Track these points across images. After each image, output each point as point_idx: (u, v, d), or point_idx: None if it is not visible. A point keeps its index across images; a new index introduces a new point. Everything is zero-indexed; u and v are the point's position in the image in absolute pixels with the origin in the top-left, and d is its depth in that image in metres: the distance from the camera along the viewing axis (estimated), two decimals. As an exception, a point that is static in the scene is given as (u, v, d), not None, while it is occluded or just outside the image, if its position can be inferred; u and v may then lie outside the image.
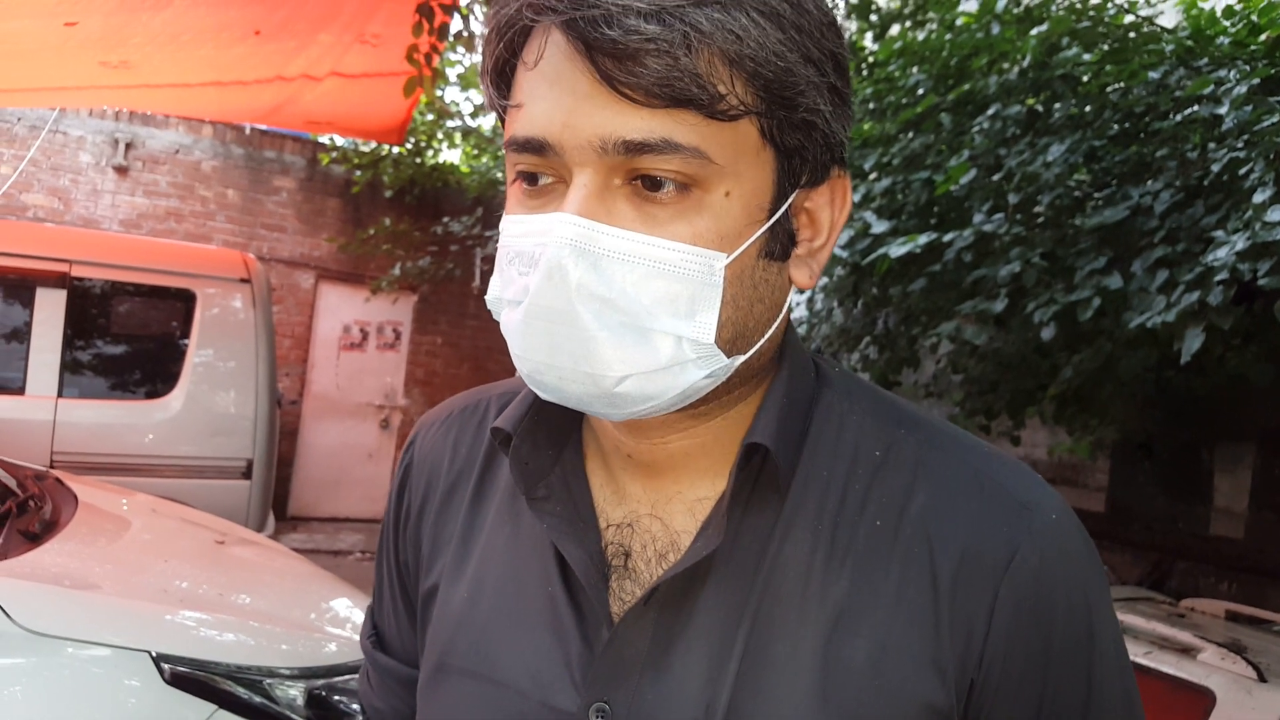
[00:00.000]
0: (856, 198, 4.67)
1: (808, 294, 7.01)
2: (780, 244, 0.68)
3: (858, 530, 0.69)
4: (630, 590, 0.72)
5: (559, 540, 0.72)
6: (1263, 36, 3.43)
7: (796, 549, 0.69)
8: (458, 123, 8.77)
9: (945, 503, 0.69)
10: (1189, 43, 3.63)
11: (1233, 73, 3.25)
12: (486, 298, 0.71)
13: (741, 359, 0.68)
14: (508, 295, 0.67)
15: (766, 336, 0.70)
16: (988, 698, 0.68)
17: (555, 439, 0.77)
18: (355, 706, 2.26)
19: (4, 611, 2.08)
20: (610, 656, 0.69)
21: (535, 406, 0.75)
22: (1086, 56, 3.89)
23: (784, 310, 0.71)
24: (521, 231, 0.66)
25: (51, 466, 4.07)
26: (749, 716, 0.66)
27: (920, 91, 4.72)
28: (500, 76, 0.68)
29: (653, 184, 0.62)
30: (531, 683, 0.72)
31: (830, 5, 0.69)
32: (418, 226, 8.35)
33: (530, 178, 0.66)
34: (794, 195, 0.68)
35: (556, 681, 0.71)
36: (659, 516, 0.74)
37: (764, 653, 0.67)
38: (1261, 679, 2.99)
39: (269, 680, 2.27)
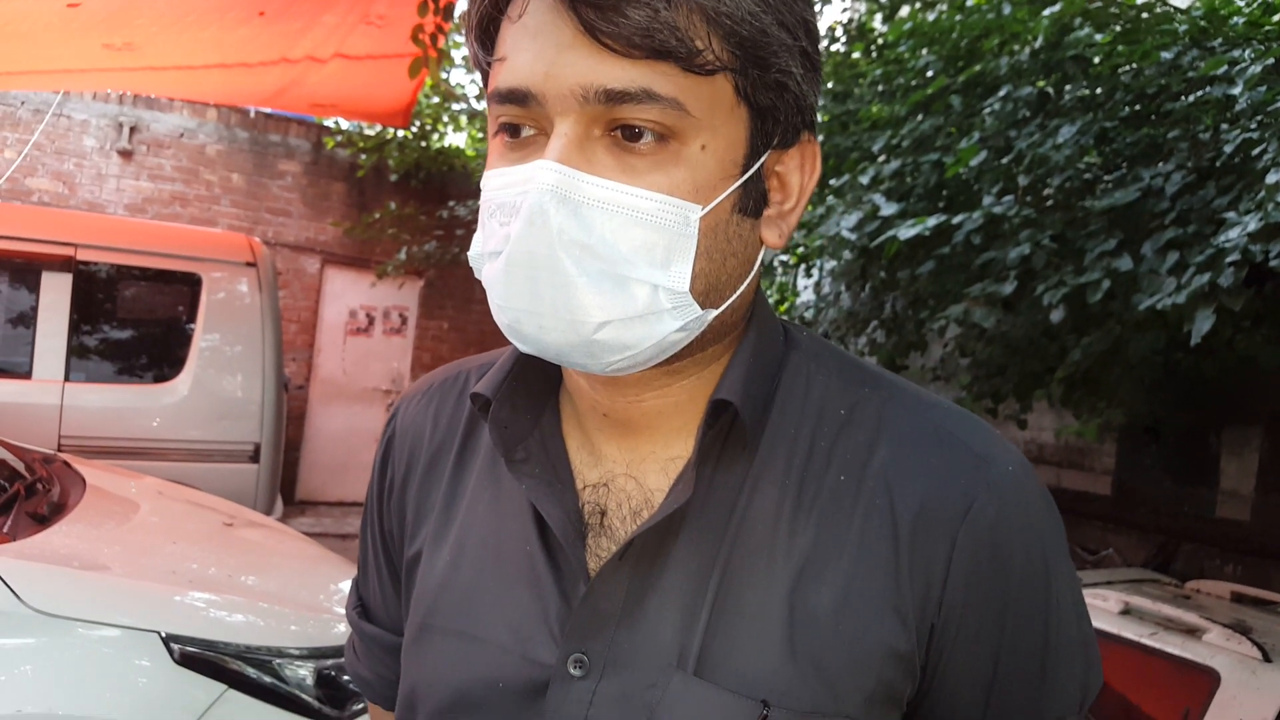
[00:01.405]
0: (865, 180, 4.64)
1: (815, 278, 6.99)
2: (753, 201, 0.70)
3: (823, 484, 0.72)
4: (606, 547, 0.74)
5: (538, 500, 0.74)
6: (1277, 17, 3.40)
7: (765, 503, 0.72)
8: (463, 106, 8.74)
9: (906, 456, 0.72)
10: (1202, 23, 3.60)
11: (1247, 53, 3.23)
12: (469, 254, 0.72)
13: (715, 313, 0.69)
14: (489, 248, 0.69)
15: (738, 293, 0.72)
16: (948, 642, 0.70)
17: (533, 404, 0.79)
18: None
19: (14, 592, 2.09)
20: (587, 609, 0.71)
21: (513, 372, 0.78)
22: (1098, 37, 3.86)
23: (755, 268, 0.73)
24: (503, 183, 0.67)
25: (59, 450, 4.08)
26: (719, 662, 0.69)
27: (930, 73, 4.70)
28: (484, 33, 0.69)
29: (632, 134, 0.64)
30: (512, 637, 0.74)
31: None
32: (424, 210, 8.33)
33: (512, 130, 0.68)
34: (766, 155, 0.70)
35: (536, 635, 0.73)
36: (634, 476, 0.76)
37: (734, 601, 0.70)
38: (1266, 659, 2.99)
39: (278, 660, 2.28)
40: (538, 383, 0.80)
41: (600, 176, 0.64)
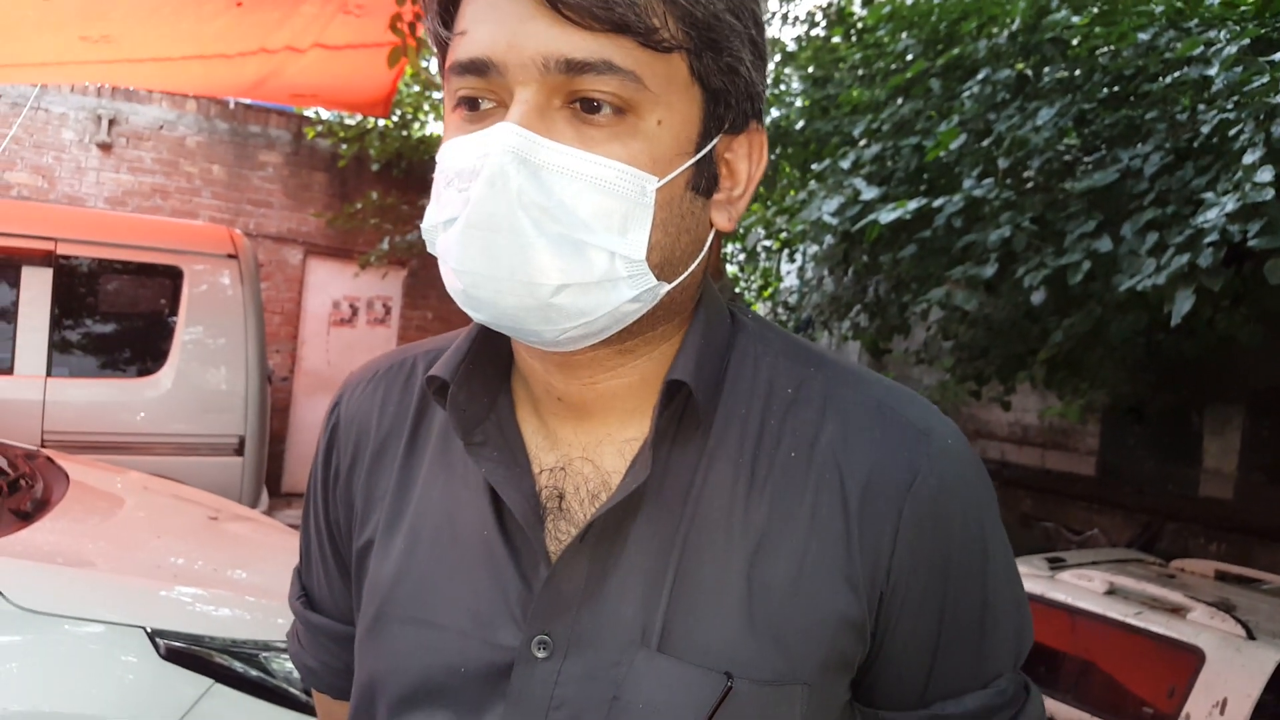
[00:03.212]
0: (846, 164, 4.65)
1: (799, 264, 7.00)
2: (705, 181, 0.72)
3: (775, 461, 0.74)
4: (565, 529, 0.75)
5: (497, 483, 0.75)
6: (1252, -4, 3.42)
7: (720, 481, 0.74)
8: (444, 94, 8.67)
9: (852, 433, 0.74)
10: (1178, 4, 3.61)
11: (1223, 33, 3.24)
12: (423, 226, 0.73)
13: (668, 286, 0.71)
14: (444, 216, 0.69)
15: (690, 270, 0.73)
16: (895, 608, 0.73)
17: (488, 388, 0.80)
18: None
19: (-2, 590, 2.08)
20: (550, 591, 0.72)
21: (470, 356, 0.78)
22: (1076, 19, 3.87)
23: (705, 248, 0.75)
24: (461, 150, 0.68)
25: (42, 446, 4.06)
26: (682, 636, 0.70)
27: (909, 57, 4.70)
28: (445, 10, 0.70)
29: (590, 106, 0.66)
30: (473, 623, 0.75)
31: None
32: (406, 200, 8.28)
33: (471, 103, 0.69)
34: (718, 138, 0.72)
35: (497, 619, 0.74)
36: (590, 459, 0.77)
37: (693, 577, 0.72)
38: (1250, 636, 3.02)
39: (265, 654, 2.27)
40: (492, 367, 0.80)
41: (560, 143, 0.65)
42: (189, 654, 2.19)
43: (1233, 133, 3.05)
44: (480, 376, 0.79)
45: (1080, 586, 3.48)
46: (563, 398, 0.77)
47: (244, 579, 2.66)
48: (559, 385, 0.77)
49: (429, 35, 0.73)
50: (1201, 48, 3.22)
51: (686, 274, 0.73)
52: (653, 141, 0.67)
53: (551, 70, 0.64)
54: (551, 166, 0.65)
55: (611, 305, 0.68)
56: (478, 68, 0.66)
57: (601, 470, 0.76)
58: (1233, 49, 3.06)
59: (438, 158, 0.71)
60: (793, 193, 6.29)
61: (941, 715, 0.76)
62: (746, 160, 0.76)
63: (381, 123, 8.10)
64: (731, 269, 9.97)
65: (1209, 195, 2.98)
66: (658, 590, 0.71)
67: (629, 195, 0.66)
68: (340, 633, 0.91)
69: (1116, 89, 3.90)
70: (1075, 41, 3.98)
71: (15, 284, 4.60)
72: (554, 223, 0.65)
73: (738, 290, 9.24)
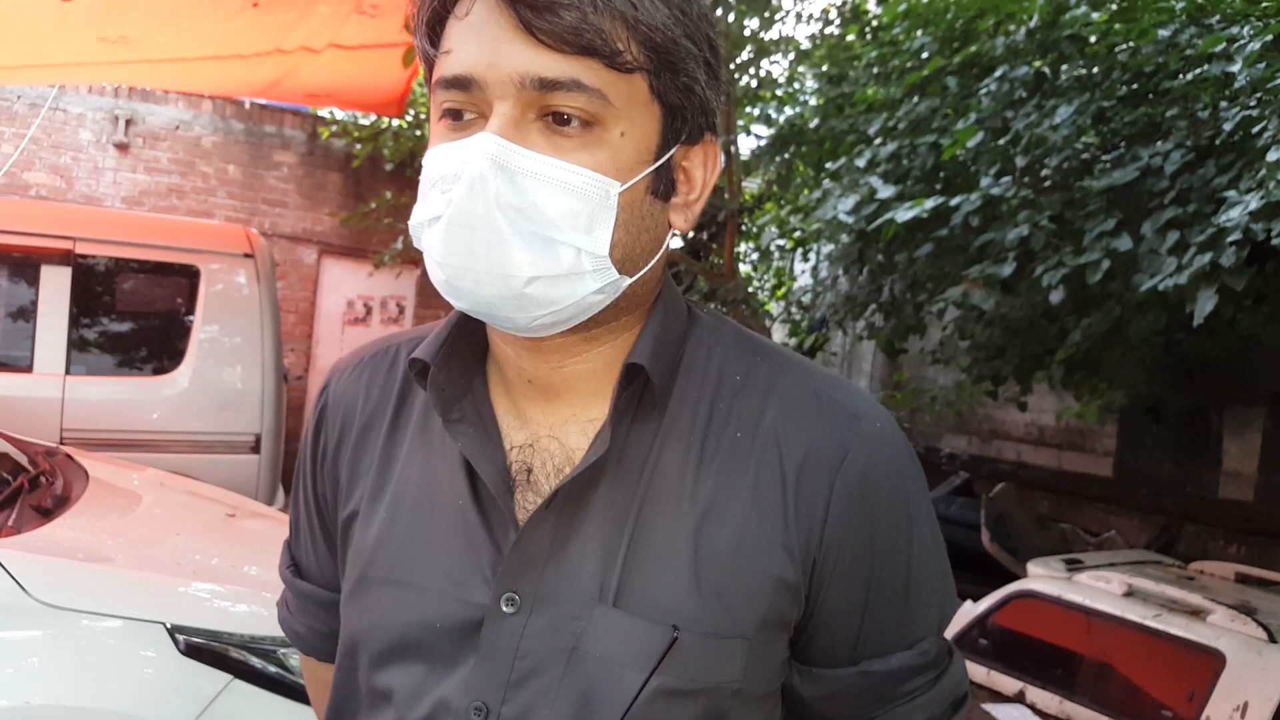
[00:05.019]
0: (862, 162, 4.64)
1: (812, 263, 6.98)
2: (664, 186, 0.80)
3: (722, 440, 0.82)
4: (532, 500, 0.83)
5: (471, 456, 0.82)
6: (1275, -8, 3.38)
7: (673, 456, 0.82)
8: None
9: (791, 415, 0.82)
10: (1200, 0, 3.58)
11: (1245, 29, 3.21)
12: (409, 224, 0.80)
13: (629, 280, 0.79)
14: (429, 214, 0.76)
15: (650, 266, 0.81)
16: (827, 573, 0.81)
17: (466, 370, 0.87)
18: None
19: (19, 585, 2.09)
20: (517, 554, 0.80)
21: (449, 341, 0.85)
22: (1095, 16, 3.85)
23: (664, 247, 0.83)
24: (446, 156, 0.75)
25: (61, 443, 4.08)
26: (635, 594, 0.78)
27: (925, 55, 4.68)
28: (433, 30, 0.78)
29: (561, 119, 0.73)
30: (447, 582, 0.82)
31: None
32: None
33: (454, 114, 0.76)
34: (675, 149, 0.80)
35: (470, 579, 0.81)
36: (556, 437, 0.84)
37: (647, 542, 0.79)
38: (1272, 640, 3.00)
39: (283, 650, 2.28)
40: (470, 352, 0.88)
41: (534, 151, 0.73)
42: (208, 649, 2.19)
43: (1256, 130, 3.02)
44: (458, 360, 0.86)
45: (1098, 588, 3.45)
46: (533, 380, 0.85)
47: (261, 575, 2.67)
48: (529, 368, 0.84)
49: (418, 52, 0.81)
50: (1223, 44, 3.19)
51: (647, 269, 0.81)
52: (616, 151, 0.75)
53: (527, 87, 0.72)
54: (525, 172, 0.73)
55: (578, 296, 0.75)
56: (461, 83, 0.74)
57: (566, 447, 0.84)
58: (1256, 45, 3.03)
59: (424, 162, 0.78)
60: (807, 191, 6.27)
61: (869, 672, 0.84)
62: (702, 168, 0.84)
63: (395, 122, 8.11)
64: (745, 268, 9.95)
65: (1231, 193, 2.96)
66: (614, 553, 0.79)
67: (594, 198, 0.74)
68: (325, 599, 0.99)
69: (1136, 86, 3.88)
70: (1094, 38, 3.96)
71: (34, 283, 4.63)
72: (527, 222, 0.73)
73: (751, 290, 9.21)
